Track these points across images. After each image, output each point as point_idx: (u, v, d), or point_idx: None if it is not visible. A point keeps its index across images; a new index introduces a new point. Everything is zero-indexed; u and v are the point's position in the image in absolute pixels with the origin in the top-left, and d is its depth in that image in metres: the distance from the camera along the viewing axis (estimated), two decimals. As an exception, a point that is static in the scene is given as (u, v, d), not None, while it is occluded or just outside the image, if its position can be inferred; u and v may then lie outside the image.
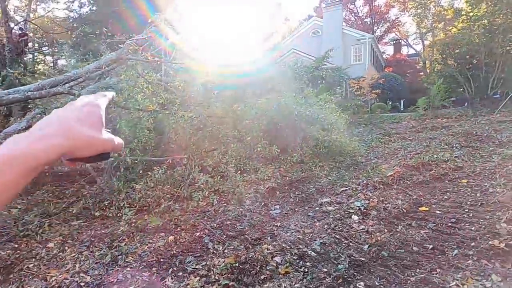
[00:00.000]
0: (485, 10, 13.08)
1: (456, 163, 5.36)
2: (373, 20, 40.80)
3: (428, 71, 26.67)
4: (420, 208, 3.87)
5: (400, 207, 3.88)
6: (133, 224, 4.14)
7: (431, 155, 6.01)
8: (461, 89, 13.48)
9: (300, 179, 5.76)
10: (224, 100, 6.74)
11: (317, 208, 4.30)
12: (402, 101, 23.06)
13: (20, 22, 15.21)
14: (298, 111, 6.41)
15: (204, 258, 3.27)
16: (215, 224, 4.11)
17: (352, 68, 22.89)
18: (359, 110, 14.63)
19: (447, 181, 4.71)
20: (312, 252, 3.10)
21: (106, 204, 4.73)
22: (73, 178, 5.78)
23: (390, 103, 22.24)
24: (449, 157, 5.72)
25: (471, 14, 13.47)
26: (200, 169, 5.50)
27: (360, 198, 4.27)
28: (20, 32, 15.81)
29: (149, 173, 4.89)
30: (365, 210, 3.91)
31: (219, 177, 5.41)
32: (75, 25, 15.73)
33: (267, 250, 3.14)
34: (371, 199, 4.22)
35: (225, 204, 4.86)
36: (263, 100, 6.71)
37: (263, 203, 4.82)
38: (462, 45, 13.12)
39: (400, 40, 38.86)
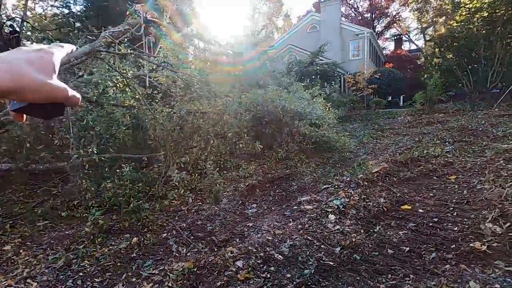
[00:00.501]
0: (485, 1, 12.67)
1: (446, 159, 5.07)
2: (373, 15, 40.20)
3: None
4: (402, 207, 3.60)
5: (381, 206, 3.61)
6: (98, 225, 3.91)
7: (422, 150, 5.73)
8: (460, 84, 13.09)
9: (283, 176, 5.50)
10: (209, 96, 6.47)
11: (295, 207, 4.04)
12: (401, 97, 22.70)
13: (10, 20, 14.98)
14: (282, 105, 6.13)
15: (164, 261, 3.02)
16: (185, 225, 3.87)
17: (351, 64, 22.54)
18: (355, 105, 14.30)
19: (435, 178, 4.43)
20: (279, 256, 2.85)
21: (76, 204, 4.51)
22: (49, 177, 5.57)
23: (390, 98, 21.91)
24: (440, 152, 5.43)
25: (469, 6, 13.06)
26: (178, 167, 5.27)
27: (340, 196, 4.00)
28: (11, 29, 15.65)
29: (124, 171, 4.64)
30: (343, 209, 3.65)
31: (197, 174, 5.17)
32: (65, 21, 15.51)
33: (231, 253, 2.89)
34: (351, 197, 3.95)
35: (200, 203, 4.62)
36: (247, 95, 6.44)
37: (240, 202, 4.57)
38: (460, 38, 12.74)
39: (401, 36, 38.34)
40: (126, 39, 6.28)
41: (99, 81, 5.03)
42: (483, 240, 2.62)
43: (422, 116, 11.13)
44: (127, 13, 6.40)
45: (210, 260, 2.78)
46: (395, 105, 19.76)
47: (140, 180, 5.01)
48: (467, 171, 4.39)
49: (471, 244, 2.54)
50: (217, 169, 5.54)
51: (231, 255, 2.86)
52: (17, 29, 17.11)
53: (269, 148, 6.60)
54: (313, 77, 13.57)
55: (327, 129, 7.02)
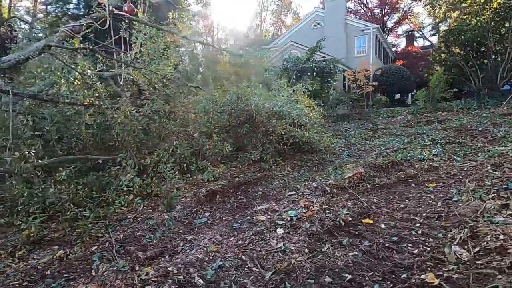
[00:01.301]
0: (496, -9, 11.74)
1: (432, 163, 4.48)
2: (384, 11, 38.89)
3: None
4: (364, 220, 3.08)
5: (340, 218, 3.10)
6: (32, 234, 3.57)
7: (407, 152, 5.14)
8: (467, 80, 12.20)
9: (252, 181, 5.04)
10: (180, 95, 6.08)
11: (247, 217, 3.58)
12: (410, 95, 21.72)
13: (6, 21, 15.08)
14: (255, 103, 5.66)
15: (72, 283, 2.64)
16: (122, 236, 3.48)
17: (356, 60, 21.73)
18: (354, 104, 13.63)
19: (413, 185, 3.87)
20: (200, 280, 2.40)
21: (19, 209, 4.20)
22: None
23: (399, 96, 20.97)
24: (427, 156, 4.84)
25: (479, -4, 12.14)
26: (139, 170, 4.90)
27: (299, 206, 3.52)
28: (10, 29, 15.85)
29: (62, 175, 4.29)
30: (296, 222, 3.16)
31: (155, 178, 4.78)
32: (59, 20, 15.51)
33: (146, 275, 2.47)
34: (311, 207, 3.45)
35: (150, 210, 4.22)
36: (219, 92, 6.01)
37: (194, 210, 4.15)
38: (468, 31, 11.85)
39: (413, 32, 36.90)
40: (93, 34, 5.97)
41: (50, 77, 4.71)
42: (443, 269, 2.09)
43: (423, 115, 10.39)
44: (96, 4, 6.08)
45: (116, 284, 2.37)
46: (402, 104, 18.87)
47: (93, 184, 4.67)
48: (450, 178, 3.80)
49: (423, 276, 2.02)
50: (180, 172, 5.15)
51: (145, 277, 2.44)
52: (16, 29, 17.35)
53: (243, 149, 6.15)
54: (308, 74, 12.98)
55: (309, 129, 6.51)
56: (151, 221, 3.83)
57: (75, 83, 5.06)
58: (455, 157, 4.64)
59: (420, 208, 3.12)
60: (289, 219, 3.25)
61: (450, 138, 5.91)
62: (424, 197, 3.39)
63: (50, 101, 4.91)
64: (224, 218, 3.75)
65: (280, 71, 13.38)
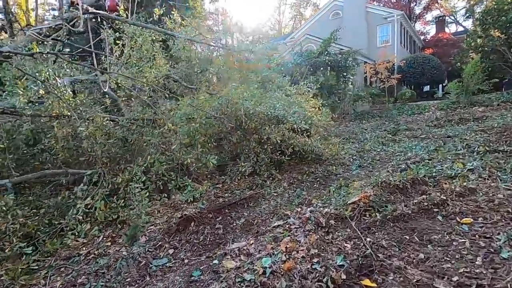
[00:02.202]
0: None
1: (466, 182, 3.40)
2: (410, -4, 36.05)
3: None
4: (362, 282, 2.15)
5: (330, 277, 2.20)
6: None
7: (433, 165, 4.06)
8: (510, 68, 10.46)
9: (238, 202, 4.22)
10: (161, 101, 5.39)
11: (215, 261, 2.78)
12: (440, 86, 19.71)
13: None
14: (245, 107, 4.81)
15: None
16: (57, 285, 2.82)
17: (378, 51, 20.04)
18: (375, 99, 12.30)
19: (439, 218, 2.85)
20: None
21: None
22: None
23: (428, 88, 19.07)
24: (460, 171, 3.74)
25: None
26: (112, 189, 4.27)
27: (279, 250, 2.65)
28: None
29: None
30: (267, 279, 2.30)
31: (123, 200, 4.10)
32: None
33: None
34: (294, 253, 2.58)
35: (109, 243, 3.54)
36: (205, 96, 5.23)
37: (159, 244, 3.40)
38: (510, 10, 10.11)
39: (444, 17, 33.86)
40: (66, 37, 5.40)
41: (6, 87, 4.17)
42: None
43: (456, 110, 8.96)
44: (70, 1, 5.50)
45: None
46: (431, 97, 17.05)
47: (57, 207, 4.09)
48: (494, 210, 2.74)
49: None
50: (157, 191, 4.45)
51: None
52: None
53: (234, 160, 5.34)
54: (322, 69, 11.85)
55: (313, 135, 5.55)
56: (103, 260, 3.14)
57: (40, 92, 4.51)
58: (499, 174, 3.50)
59: (449, 265, 2.14)
60: (261, 271, 2.39)
61: (491, 144, 4.69)
62: (455, 243, 2.38)
63: (11, 113, 4.38)
64: (186, 261, 2.97)
65: (292, 66, 12.38)
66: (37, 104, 4.72)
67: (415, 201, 3.23)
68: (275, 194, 4.41)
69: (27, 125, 4.27)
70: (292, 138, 5.29)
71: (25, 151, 4.86)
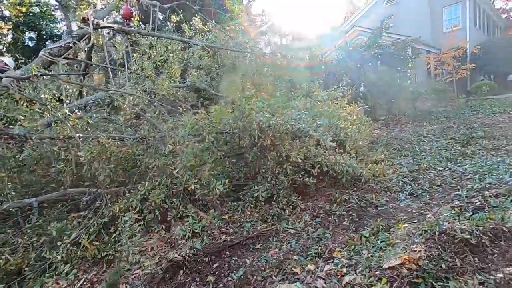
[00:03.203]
0: None
1: None
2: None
3: None
4: None
5: None
6: None
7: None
8: None
9: (244, 241, 3.41)
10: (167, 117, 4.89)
11: None
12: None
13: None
14: (258, 120, 3.95)
15: None
16: None
17: (445, 37, 17.09)
18: (439, 96, 10.19)
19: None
20: None
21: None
22: None
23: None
24: None
25: None
26: (110, 219, 3.88)
27: None
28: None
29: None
30: None
31: (116, 234, 3.64)
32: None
33: None
34: None
35: (88, 290, 3.06)
36: (216, 109, 4.54)
37: (137, 298, 2.79)
38: None
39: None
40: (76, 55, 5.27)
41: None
42: None
43: (559, 107, 6.68)
44: (81, 19, 5.36)
45: None
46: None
47: (57, 235, 3.82)
48: None
49: None
50: (155, 221, 3.91)
51: None
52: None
53: (250, 182, 4.53)
54: (370, 64, 10.26)
55: (348, 151, 4.43)
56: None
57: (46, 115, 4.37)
58: None
59: None
60: None
61: None
62: None
63: (19, 137, 4.29)
64: (150, 338, 2.27)
65: (334, 65, 11.05)
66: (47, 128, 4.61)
67: (499, 275, 2.01)
68: (292, 231, 3.47)
69: (28, 150, 4.11)
70: (319, 155, 4.26)
71: (41, 173, 4.82)
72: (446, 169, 4.39)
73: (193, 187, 3.95)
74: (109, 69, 5.59)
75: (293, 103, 4.72)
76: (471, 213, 2.80)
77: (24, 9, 12.84)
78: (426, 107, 10.35)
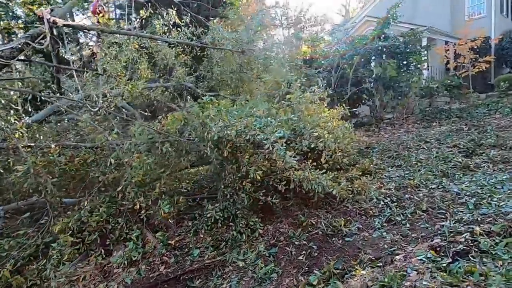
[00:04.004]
0: None
1: None
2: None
3: None
4: None
5: None
6: None
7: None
8: None
9: (181, 275, 2.92)
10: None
11: None
12: None
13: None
14: (211, 130, 3.41)
15: None
16: None
17: (467, 26, 15.59)
18: (451, 92, 9.16)
19: None
20: None
21: None
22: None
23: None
24: None
25: None
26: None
27: None
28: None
29: None
30: None
31: (44, 261, 3.26)
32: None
33: None
34: None
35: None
36: (171, 117, 4.04)
37: None
38: None
39: None
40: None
41: None
42: None
43: None
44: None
45: None
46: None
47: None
48: None
49: None
50: (94, 244, 3.51)
51: None
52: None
53: (212, 199, 4.02)
54: (374, 58, 9.37)
55: (325, 162, 3.82)
56: None
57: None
58: None
59: None
60: None
61: None
62: None
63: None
64: None
65: (338, 59, 10.22)
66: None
67: None
68: (241, 263, 2.95)
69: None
70: (287, 170, 3.67)
71: None
72: (439, 187, 3.66)
73: (138, 206, 3.51)
74: (73, 71, 5.19)
75: (264, 106, 4.13)
76: (450, 260, 2.15)
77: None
78: (437, 105, 9.35)
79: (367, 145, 6.66)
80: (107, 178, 3.78)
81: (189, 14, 6.42)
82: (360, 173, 4.46)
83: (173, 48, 5.99)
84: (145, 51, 5.57)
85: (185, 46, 6.27)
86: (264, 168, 3.67)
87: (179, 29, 6.26)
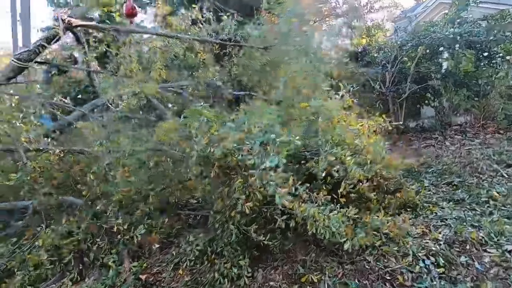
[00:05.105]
0: None
1: None
2: None
3: None
4: None
5: None
6: None
7: None
8: None
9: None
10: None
11: None
12: None
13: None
14: (181, 143, 2.79)
15: None
16: None
17: None
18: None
19: None
20: None
21: None
22: None
23: None
24: None
25: None
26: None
27: None
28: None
29: None
30: None
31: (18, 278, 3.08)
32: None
33: None
34: None
35: None
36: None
37: None
38: None
39: None
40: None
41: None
42: None
43: None
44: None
45: None
46: None
47: None
48: None
49: None
50: (70, 264, 3.24)
51: None
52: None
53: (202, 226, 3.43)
54: (442, 49, 7.52)
55: (343, 195, 2.88)
56: None
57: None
58: None
59: None
60: None
61: None
62: None
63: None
64: None
65: (396, 50, 8.61)
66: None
67: None
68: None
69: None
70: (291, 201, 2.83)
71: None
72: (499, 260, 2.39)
73: (115, 229, 3.10)
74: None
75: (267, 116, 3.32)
76: None
77: None
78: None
79: (423, 162, 5.27)
80: (92, 192, 3.48)
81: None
82: (398, 206, 3.34)
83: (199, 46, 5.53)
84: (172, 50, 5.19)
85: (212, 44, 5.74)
86: (260, 196, 2.89)
87: (201, 25, 5.78)
